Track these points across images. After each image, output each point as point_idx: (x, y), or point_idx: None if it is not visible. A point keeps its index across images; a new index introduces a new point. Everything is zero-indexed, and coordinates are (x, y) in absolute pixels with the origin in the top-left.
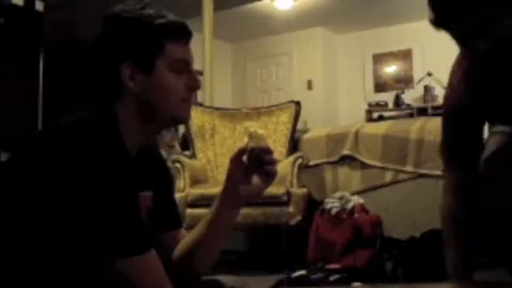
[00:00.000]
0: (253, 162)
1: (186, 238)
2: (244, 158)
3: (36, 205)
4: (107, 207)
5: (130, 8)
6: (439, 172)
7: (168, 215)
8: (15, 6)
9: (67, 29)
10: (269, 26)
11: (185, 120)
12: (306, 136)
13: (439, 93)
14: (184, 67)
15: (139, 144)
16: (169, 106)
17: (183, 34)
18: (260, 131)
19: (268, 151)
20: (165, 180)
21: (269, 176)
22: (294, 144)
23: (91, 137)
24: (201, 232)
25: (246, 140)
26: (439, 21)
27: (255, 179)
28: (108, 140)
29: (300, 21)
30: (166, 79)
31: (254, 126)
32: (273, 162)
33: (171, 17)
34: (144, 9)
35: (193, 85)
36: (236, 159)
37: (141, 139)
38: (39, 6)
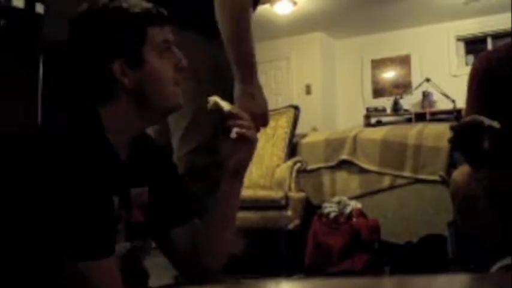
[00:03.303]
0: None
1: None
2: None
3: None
4: (65, 206)
5: (102, 2)
6: (436, 177)
7: (175, 209)
8: (15, 8)
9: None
10: (268, 30)
11: (179, 107)
12: (305, 141)
13: (437, 98)
14: (168, 48)
15: (132, 139)
16: (163, 94)
17: (158, 15)
18: (227, 106)
19: (230, 116)
20: (166, 173)
21: (248, 142)
22: (292, 149)
23: (64, 141)
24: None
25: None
26: None
27: (240, 149)
28: (82, 142)
29: (299, 26)
30: (156, 66)
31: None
32: (250, 127)
33: (139, 2)
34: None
35: (181, 64)
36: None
37: (135, 133)
38: (39, 8)
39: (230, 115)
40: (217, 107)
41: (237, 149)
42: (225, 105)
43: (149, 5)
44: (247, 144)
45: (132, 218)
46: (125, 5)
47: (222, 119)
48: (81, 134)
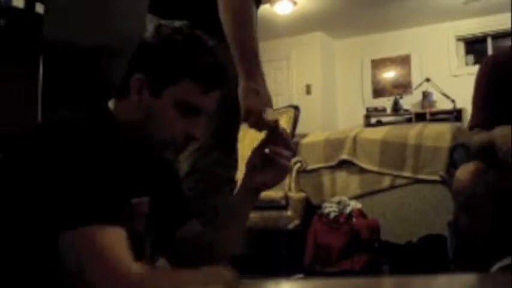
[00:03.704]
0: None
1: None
2: (266, 150)
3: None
4: (74, 174)
5: (177, 25)
6: (436, 177)
7: (177, 213)
8: (15, 8)
9: (67, 31)
10: (268, 30)
11: (159, 151)
12: (305, 141)
13: (437, 98)
14: (192, 113)
15: (138, 140)
16: (160, 139)
17: (209, 84)
18: (273, 118)
19: (287, 146)
20: (168, 181)
21: (282, 170)
22: None
23: (75, 123)
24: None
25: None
26: None
27: (271, 171)
28: (94, 126)
29: (299, 26)
30: (167, 111)
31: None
32: (288, 157)
33: (211, 59)
34: (200, 39)
35: (193, 135)
36: (258, 149)
37: (140, 135)
38: (39, 8)
39: (279, 134)
40: (267, 122)
41: (270, 172)
42: (280, 123)
43: (213, 66)
44: (282, 172)
45: (134, 228)
46: (195, 41)
47: (268, 138)
48: (99, 123)
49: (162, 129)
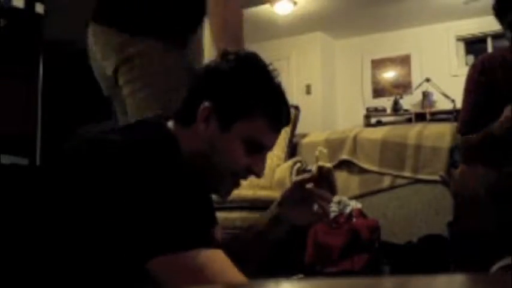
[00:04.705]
0: (322, 182)
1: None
2: (309, 185)
3: (90, 209)
4: (174, 199)
5: (269, 67)
6: (436, 177)
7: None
8: (15, 8)
9: (67, 31)
10: (268, 30)
11: (224, 196)
12: (305, 141)
13: (437, 98)
14: (259, 150)
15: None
16: (218, 173)
17: (281, 123)
18: (327, 165)
19: (332, 190)
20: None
21: (319, 212)
22: (292, 149)
23: (157, 145)
24: (247, 239)
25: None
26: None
27: (303, 209)
28: (173, 150)
29: (299, 26)
30: (233, 147)
31: (321, 152)
32: (329, 201)
33: (282, 95)
34: (276, 78)
35: (256, 172)
36: (300, 183)
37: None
38: (39, 8)
39: (328, 180)
40: (320, 164)
41: (317, 219)
42: (327, 164)
43: (285, 108)
44: (318, 214)
45: None
46: (277, 83)
47: (315, 177)
48: (171, 143)
49: (226, 162)
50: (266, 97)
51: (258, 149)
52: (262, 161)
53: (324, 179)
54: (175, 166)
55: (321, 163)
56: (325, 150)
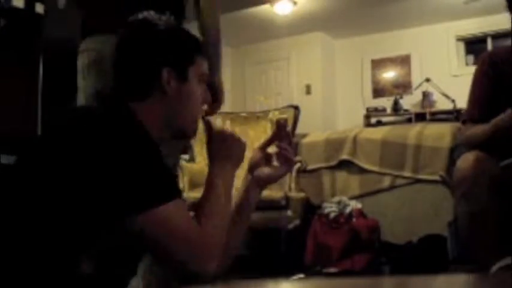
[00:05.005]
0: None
1: None
2: (269, 149)
3: (62, 181)
4: (133, 163)
5: (162, 18)
6: (436, 177)
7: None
8: (15, 8)
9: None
10: (268, 30)
11: (194, 134)
12: (305, 141)
13: (437, 98)
14: (203, 82)
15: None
16: (189, 116)
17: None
18: (283, 116)
19: (290, 143)
20: None
21: (288, 162)
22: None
23: (115, 115)
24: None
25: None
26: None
27: (275, 164)
28: (134, 122)
29: (299, 26)
30: (195, 90)
31: (276, 114)
32: (292, 152)
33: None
34: (169, 21)
35: (208, 99)
36: (262, 147)
37: (156, 138)
38: (39, 8)
39: (286, 132)
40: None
41: (287, 169)
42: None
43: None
44: (288, 165)
45: None
46: (183, 27)
47: (277, 134)
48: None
49: (194, 104)
50: (192, 38)
51: (203, 81)
52: (205, 89)
53: (283, 131)
54: (138, 133)
55: (277, 116)
56: (284, 116)
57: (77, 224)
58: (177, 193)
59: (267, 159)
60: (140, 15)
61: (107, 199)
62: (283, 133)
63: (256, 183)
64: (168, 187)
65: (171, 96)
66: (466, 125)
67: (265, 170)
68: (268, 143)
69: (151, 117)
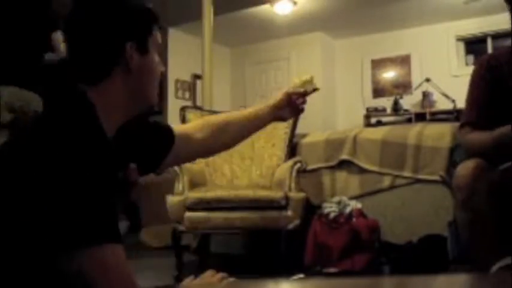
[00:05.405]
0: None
1: (219, 119)
2: (294, 97)
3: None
4: (73, 193)
5: None
6: (436, 177)
7: (163, 140)
8: None
9: None
10: (268, 30)
11: (155, 104)
12: (305, 141)
13: (437, 98)
14: (159, 50)
15: (120, 123)
16: (152, 88)
17: (159, 19)
18: (306, 76)
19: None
20: (145, 132)
21: (299, 110)
22: (292, 149)
23: (65, 127)
24: (239, 118)
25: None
26: None
27: (287, 110)
28: (82, 126)
29: (299, 26)
30: (155, 60)
31: (299, 76)
32: (304, 102)
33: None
34: None
35: (162, 67)
36: (289, 95)
37: (122, 118)
38: None
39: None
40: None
41: (297, 114)
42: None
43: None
44: (297, 112)
45: (129, 199)
46: None
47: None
48: (82, 115)
49: (155, 75)
50: (147, 6)
51: (159, 50)
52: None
53: (309, 88)
54: (94, 153)
55: (308, 88)
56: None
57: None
58: (118, 236)
59: (288, 104)
60: None
61: (46, 232)
62: (310, 89)
63: (273, 114)
64: (111, 228)
65: (135, 72)
66: (465, 128)
67: (281, 111)
68: (298, 95)
69: (114, 100)
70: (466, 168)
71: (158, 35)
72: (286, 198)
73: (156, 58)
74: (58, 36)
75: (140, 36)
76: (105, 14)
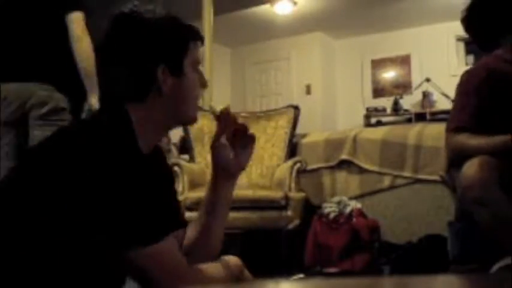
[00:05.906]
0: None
1: (188, 232)
2: (222, 139)
3: (52, 204)
4: (126, 198)
5: (149, 9)
6: (436, 177)
7: (177, 214)
8: None
9: None
10: (268, 30)
11: (195, 120)
12: (305, 141)
13: (437, 98)
14: (198, 65)
15: (154, 143)
16: (191, 106)
17: (199, 34)
18: (221, 106)
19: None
20: (170, 178)
21: (250, 142)
22: (292, 149)
23: (107, 136)
24: (203, 218)
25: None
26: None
27: (238, 151)
28: (123, 138)
29: (299, 26)
30: (192, 79)
31: (212, 106)
32: (246, 128)
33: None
34: (157, 11)
35: (205, 83)
36: (216, 143)
37: (157, 139)
38: None
39: (231, 119)
40: (213, 110)
41: (251, 149)
42: (218, 107)
43: (190, 23)
44: (250, 144)
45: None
46: (171, 15)
47: (224, 122)
48: (123, 130)
49: (192, 96)
50: (183, 24)
51: (198, 65)
52: (201, 70)
53: (227, 119)
54: (131, 163)
55: (217, 110)
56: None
57: (69, 248)
58: (167, 229)
59: (231, 148)
60: (124, 8)
61: (109, 232)
62: (229, 121)
63: (225, 177)
64: (163, 225)
65: (170, 95)
66: (460, 134)
67: (233, 162)
68: (218, 136)
69: (151, 123)
70: (472, 166)
71: (197, 52)
72: (286, 198)
73: (194, 75)
74: (71, 18)
75: (173, 58)
76: (133, 40)
